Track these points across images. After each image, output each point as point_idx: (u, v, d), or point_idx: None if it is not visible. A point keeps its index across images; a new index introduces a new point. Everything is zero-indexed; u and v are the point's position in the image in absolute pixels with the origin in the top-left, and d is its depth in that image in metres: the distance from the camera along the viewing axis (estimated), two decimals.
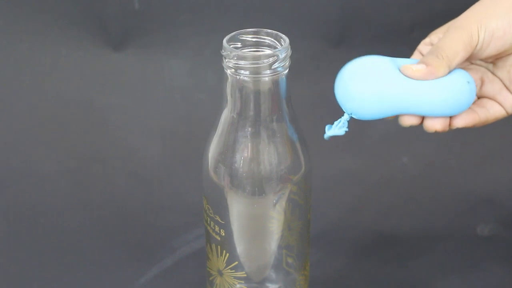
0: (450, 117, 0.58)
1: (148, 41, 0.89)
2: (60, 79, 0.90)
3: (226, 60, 0.57)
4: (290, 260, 0.65)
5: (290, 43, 0.58)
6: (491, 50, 0.57)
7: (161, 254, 0.77)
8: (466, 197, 0.84)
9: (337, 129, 0.58)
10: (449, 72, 0.56)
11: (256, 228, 0.63)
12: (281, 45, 0.58)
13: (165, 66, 0.90)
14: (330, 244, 0.78)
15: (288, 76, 0.58)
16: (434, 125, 0.57)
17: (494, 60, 0.60)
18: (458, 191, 0.85)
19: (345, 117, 0.58)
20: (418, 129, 0.89)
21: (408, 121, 0.58)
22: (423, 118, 0.58)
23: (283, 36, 0.58)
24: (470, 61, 0.61)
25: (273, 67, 0.57)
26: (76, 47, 0.89)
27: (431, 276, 0.75)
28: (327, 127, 0.58)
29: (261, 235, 0.63)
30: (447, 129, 0.58)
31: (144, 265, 0.76)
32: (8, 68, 0.90)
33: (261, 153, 0.59)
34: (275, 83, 0.58)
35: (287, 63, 0.58)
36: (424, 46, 0.61)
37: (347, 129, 0.58)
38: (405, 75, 0.56)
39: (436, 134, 0.89)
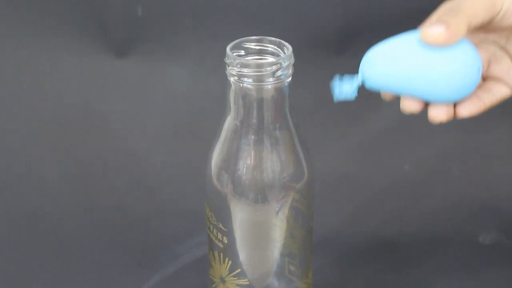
0: (455, 106, 0.56)
1: (150, 47, 0.89)
2: (62, 85, 0.90)
3: (230, 68, 0.57)
4: (292, 268, 0.65)
5: (293, 51, 0.58)
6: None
7: (164, 261, 0.77)
8: (468, 205, 0.84)
9: (348, 86, 0.57)
10: (466, 32, 0.54)
11: (259, 235, 0.63)
12: (284, 53, 0.58)
13: (167, 73, 0.90)
14: (332, 252, 0.78)
15: (290, 83, 0.59)
16: (439, 114, 0.56)
17: (510, 33, 0.58)
18: (460, 199, 0.85)
19: (358, 80, 0.57)
20: (420, 136, 0.89)
21: (409, 106, 0.56)
22: (425, 105, 0.57)
23: (286, 44, 0.58)
24: (487, 31, 0.58)
25: (276, 75, 0.57)
26: (79, 54, 0.89)
27: (433, 283, 0.75)
28: (336, 84, 0.57)
29: (263, 243, 0.63)
30: (451, 118, 0.56)
31: (147, 271, 0.76)
32: (10, 73, 0.91)
33: (264, 160, 0.59)
34: (278, 90, 0.58)
35: (290, 71, 0.58)
36: None
37: (357, 95, 0.57)
38: (426, 41, 0.54)
39: (437, 140, 0.89)
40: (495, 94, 0.58)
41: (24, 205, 0.84)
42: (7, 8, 0.88)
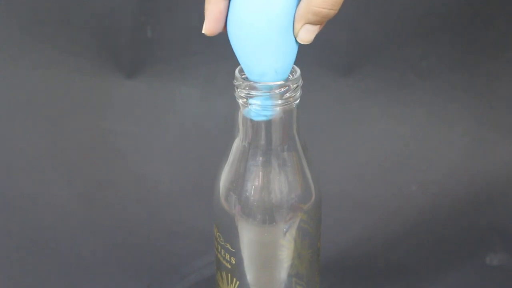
0: None
1: (160, 69, 0.89)
2: (72, 106, 0.91)
3: (238, 90, 0.58)
4: None
5: (301, 73, 0.58)
6: None
7: (171, 281, 0.77)
8: (475, 226, 0.84)
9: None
10: None
11: (266, 256, 0.63)
12: (293, 75, 0.59)
13: (177, 94, 0.90)
14: (339, 272, 0.78)
15: (298, 105, 0.59)
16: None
17: None
18: (467, 220, 0.85)
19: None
20: (427, 157, 0.89)
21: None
22: None
23: (295, 66, 0.59)
24: None
25: (284, 97, 0.57)
26: (89, 75, 0.90)
27: None
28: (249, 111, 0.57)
29: (271, 264, 0.63)
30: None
31: None
32: (22, 95, 0.91)
33: (271, 182, 0.60)
34: (286, 112, 0.58)
35: (298, 94, 0.58)
36: None
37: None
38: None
39: (445, 161, 0.89)
40: None
41: (31, 226, 0.84)
42: (21, 30, 0.89)
